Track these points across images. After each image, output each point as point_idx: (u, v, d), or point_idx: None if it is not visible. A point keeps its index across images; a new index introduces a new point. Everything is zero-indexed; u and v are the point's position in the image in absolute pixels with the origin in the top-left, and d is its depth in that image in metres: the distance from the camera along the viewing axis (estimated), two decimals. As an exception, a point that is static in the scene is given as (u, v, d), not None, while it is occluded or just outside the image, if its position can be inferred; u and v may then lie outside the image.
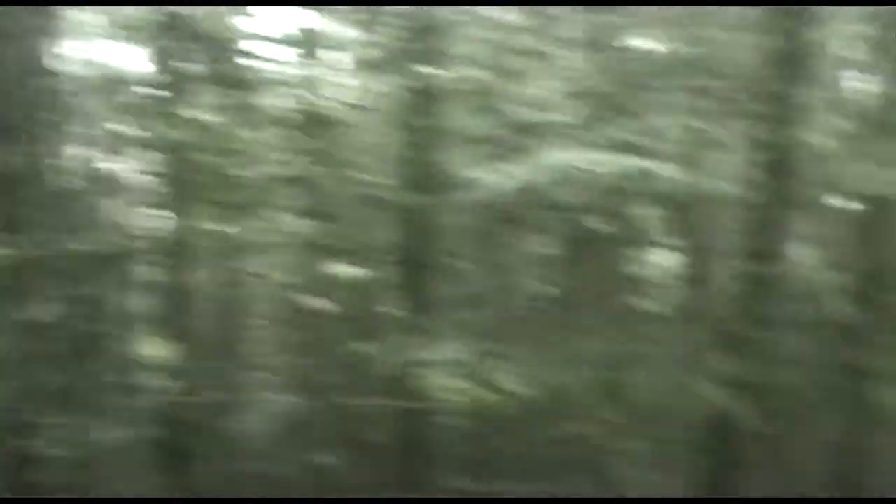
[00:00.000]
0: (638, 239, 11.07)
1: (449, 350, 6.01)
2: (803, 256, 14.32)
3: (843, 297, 12.94)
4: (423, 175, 7.33)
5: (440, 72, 7.24)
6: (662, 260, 12.71)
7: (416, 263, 7.62)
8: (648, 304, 11.52)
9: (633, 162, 5.98)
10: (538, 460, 11.09)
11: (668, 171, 8.62)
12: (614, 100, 7.64)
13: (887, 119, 11.89)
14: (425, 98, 7.35)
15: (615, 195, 10.26)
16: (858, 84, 12.74)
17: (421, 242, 7.56)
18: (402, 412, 7.82)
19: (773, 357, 12.66)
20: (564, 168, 5.77)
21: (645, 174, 6.19)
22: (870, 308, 12.42)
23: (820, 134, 12.40)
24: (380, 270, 8.51)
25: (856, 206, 12.24)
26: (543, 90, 7.72)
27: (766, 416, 12.05)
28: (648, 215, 11.85)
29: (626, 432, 10.14)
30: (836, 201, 12.21)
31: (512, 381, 5.96)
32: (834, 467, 13.22)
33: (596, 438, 9.90)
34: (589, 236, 10.49)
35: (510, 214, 8.38)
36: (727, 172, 12.12)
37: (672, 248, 11.91)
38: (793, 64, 9.18)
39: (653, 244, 11.71)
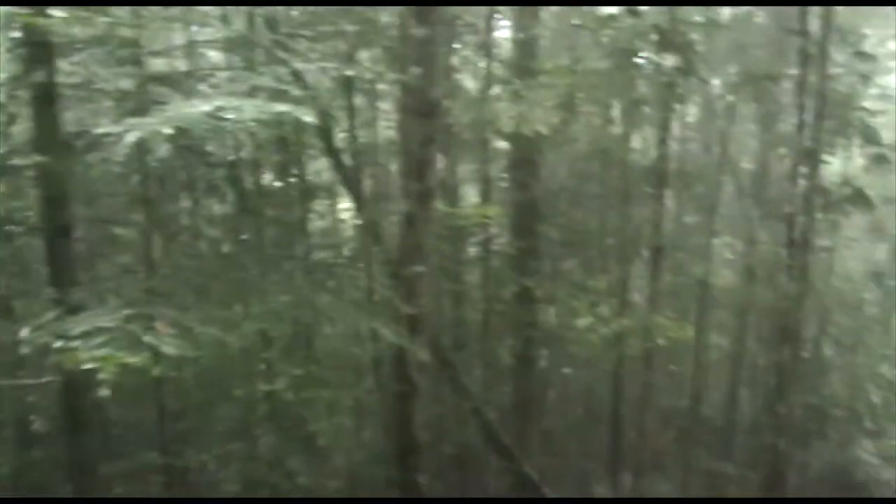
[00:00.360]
0: (308, 190, 11.10)
1: (104, 320, 5.56)
2: (467, 194, 15.23)
3: (505, 230, 13.96)
4: (53, 135, 6.69)
5: (67, 21, 6.59)
6: (334, 209, 12.90)
7: (57, 231, 6.99)
8: (325, 254, 11.64)
9: (284, 110, 5.85)
10: (230, 422, 10.89)
11: (319, 118, 8.66)
12: (260, 47, 7.47)
13: (529, 63, 12.88)
14: (48, 50, 6.68)
15: (279, 147, 10.20)
16: (504, 31, 13.66)
17: (59, 208, 6.94)
18: (60, 393, 7.22)
19: (450, 292, 13.42)
20: (211, 118, 5.51)
21: (296, 122, 6.08)
22: (528, 239, 13.52)
23: (472, 78, 13.16)
24: (14, 242, 7.74)
25: (508, 144, 13.17)
26: (186, 39, 7.34)
27: (448, 349, 12.77)
28: (314, 167, 11.94)
29: (315, 382, 10.22)
30: (491, 140, 13.05)
31: (181, 345, 5.65)
32: (512, 387, 14.38)
33: (285, 392, 9.87)
34: (258, 190, 10.35)
35: (166, 171, 7.98)
36: (381, 118, 12.51)
37: (342, 196, 12.10)
38: (440, 11, 9.52)
39: (323, 194, 11.81)
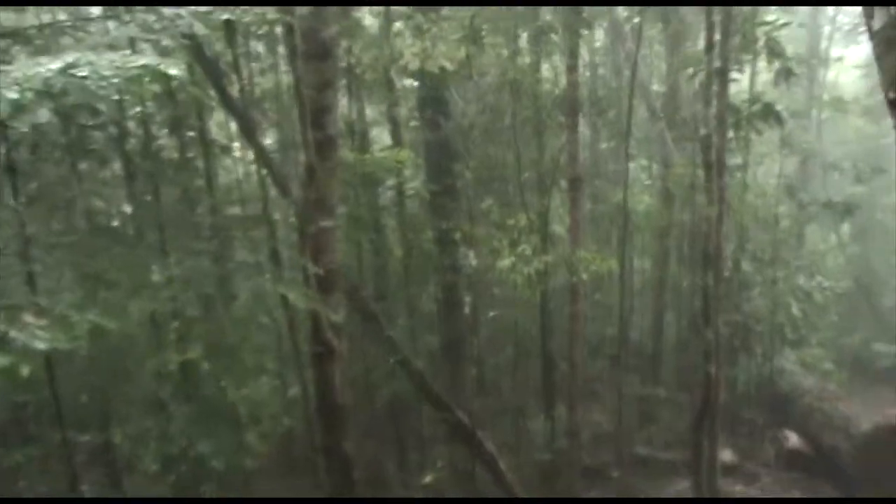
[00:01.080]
0: (208, 145, 10.44)
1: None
2: (378, 137, 14.68)
3: (419, 172, 13.50)
4: None
5: None
6: (238, 165, 12.22)
7: None
8: (232, 213, 11.05)
9: (146, 62, 5.23)
10: (145, 398, 10.34)
11: (208, 68, 8.02)
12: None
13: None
14: None
15: (169, 102, 9.49)
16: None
17: None
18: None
19: (367, 241, 12.96)
20: (63, 77, 4.87)
21: (157, 73, 5.43)
22: (443, 179, 13.10)
23: (371, 14, 12.50)
24: None
25: (415, 82, 12.63)
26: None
27: (371, 300, 12.36)
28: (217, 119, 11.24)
29: (230, 350, 9.72)
30: (397, 80, 12.46)
31: (55, 337, 5.06)
32: (438, 333, 14.11)
33: (200, 363, 9.35)
34: (147, 151, 9.66)
35: (38, 137, 7.24)
36: (282, 64, 11.82)
37: (245, 151, 11.47)
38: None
39: (222, 149, 11.16)
